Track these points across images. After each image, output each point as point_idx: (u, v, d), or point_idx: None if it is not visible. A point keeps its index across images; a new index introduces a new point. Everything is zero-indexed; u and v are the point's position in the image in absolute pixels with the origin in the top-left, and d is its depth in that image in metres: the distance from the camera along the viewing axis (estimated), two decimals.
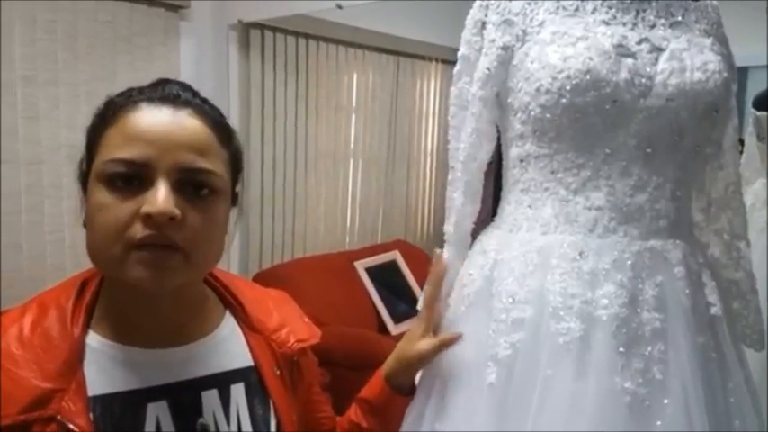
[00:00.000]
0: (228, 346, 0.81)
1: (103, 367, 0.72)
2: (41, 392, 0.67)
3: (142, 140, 0.68)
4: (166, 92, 0.72)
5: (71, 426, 0.67)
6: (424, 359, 0.89)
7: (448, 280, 0.93)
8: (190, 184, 0.69)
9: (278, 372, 0.83)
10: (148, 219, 0.66)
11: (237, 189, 0.80)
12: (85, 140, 0.73)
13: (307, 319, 0.91)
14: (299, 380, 0.88)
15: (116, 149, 0.68)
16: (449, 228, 0.93)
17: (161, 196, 0.66)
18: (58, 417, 0.67)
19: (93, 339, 0.73)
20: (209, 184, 0.70)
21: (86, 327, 0.73)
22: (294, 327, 0.87)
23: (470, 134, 0.88)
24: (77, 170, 0.74)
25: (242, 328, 0.83)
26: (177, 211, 0.66)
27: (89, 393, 0.70)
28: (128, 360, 0.73)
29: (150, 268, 0.67)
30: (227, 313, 0.84)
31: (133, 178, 0.67)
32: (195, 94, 0.76)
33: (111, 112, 0.71)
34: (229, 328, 0.83)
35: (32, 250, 2.23)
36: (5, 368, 0.68)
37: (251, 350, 0.82)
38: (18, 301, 0.77)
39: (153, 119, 0.69)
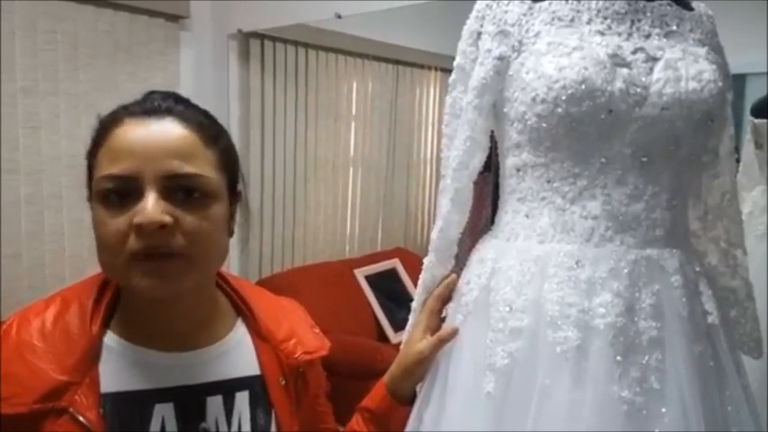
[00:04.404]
0: (237, 354, 0.82)
1: (117, 366, 0.75)
2: (57, 384, 0.70)
3: (126, 155, 0.70)
4: (148, 105, 0.74)
5: (81, 419, 0.69)
6: (425, 359, 0.89)
7: (433, 287, 0.95)
8: (179, 190, 0.71)
9: (283, 382, 0.84)
10: (140, 229, 0.68)
11: (239, 187, 0.81)
12: (86, 164, 0.76)
13: (317, 330, 0.92)
14: (305, 391, 0.88)
15: (105, 167, 0.71)
16: (433, 234, 0.94)
17: (149, 206, 0.68)
18: (70, 409, 0.69)
19: (110, 338, 0.76)
20: (197, 188, 0.72)
21: (105, 325, 0.76)
22: (303, 338, 0.88)
23: (464, 141, 0.88)
24: (86, 191, 0.77)
25: (251, 336, 0.85)
26: (167, 218, 0.68)
27: (101, 390, 0.72)
28: (141, 361, 0.76)
29: (153, 278, 0.69)
30: (239, 320, 0.86)
31: (125, 192, 0.70)
32: (178, 100, 0.77)
33: (100, 133, 0.74)
34: (240, 335, 0.84)
35: (32, 260, 2.24)
36: (26, 358, 0.71)
37: (258, 359, 0.83)
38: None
39: (135, 133, 0.72)
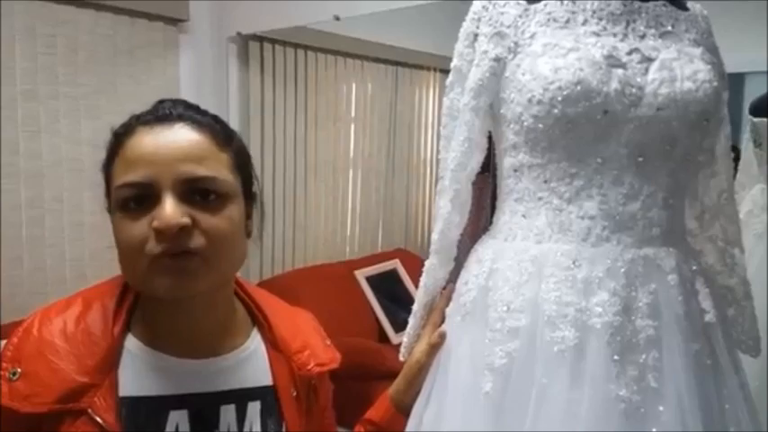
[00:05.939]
0: (252, 364, 0.83)
1: (136, 370, 0.75)
2: (77, 385, 0.71)
3: (142, 162, 0.71)
4: (159, 112, 0.76)
5: (99, 420, 0.70)
6: (423, 367, 0.91)
7: (434, 290, 0.95)
8: (196, 193, 0.72)
9: (294, 393, 0.85)
10: (160, 232, 0.69)
11: (254, 189, 0.83)
12: (103, 176, 0.77)
13: (329, 342, 0.93)
14: (315, 403, 0.89)
15: (122, 176, 0.72)
16: (434, 236, 0.94)
17: (167, 209, 0.69)
18: (89, 410, 0.70)
19: (131, 342, 0.77)
20: (213, 189, 0.73)
21: (126, 329, 0.77)
22: (316, 350, 0.89)
23: (462, 143, 0.89)
24: (105, 202, 0.78)
25: (266, 346, 0.85)
26: (185, 219, 0.70)
27: (119, 393, 0.73)
28: (159, 366, 0.76)
29: (172, 275, 0.70)
30: (255, 329, 0.86)
31: (143, 199, 0.71)
32: (188, 106, 0.78)
33: (114, 144, 0.75)
34: (255, 344, 0.85)
35: (33, 263, 2.24)
36: (47, 358, 0.72)
37: (272, 369, 0.84)
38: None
39: (148, 140, 0.73)
